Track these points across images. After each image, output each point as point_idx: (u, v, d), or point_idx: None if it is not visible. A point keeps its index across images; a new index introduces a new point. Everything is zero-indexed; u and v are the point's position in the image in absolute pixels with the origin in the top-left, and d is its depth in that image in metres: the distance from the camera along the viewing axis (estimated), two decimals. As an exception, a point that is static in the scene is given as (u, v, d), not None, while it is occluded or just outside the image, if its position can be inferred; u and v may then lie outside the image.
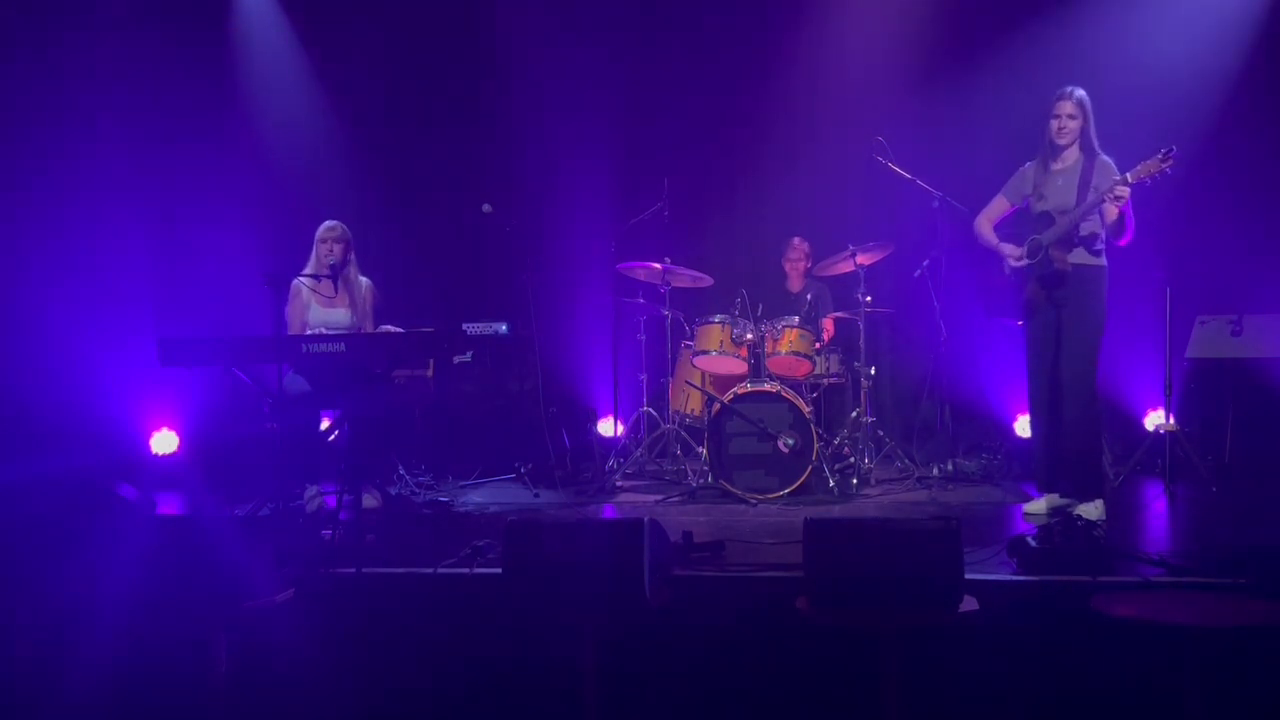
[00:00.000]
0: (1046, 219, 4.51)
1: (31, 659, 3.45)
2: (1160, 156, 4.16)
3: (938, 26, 6.58)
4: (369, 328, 5.17)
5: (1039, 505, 4.66)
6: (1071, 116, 4.46)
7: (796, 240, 6.54)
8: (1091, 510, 4.39)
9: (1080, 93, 4.48)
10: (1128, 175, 4.23)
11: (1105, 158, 4.48)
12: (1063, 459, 4.58)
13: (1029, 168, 4.67)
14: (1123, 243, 4.44)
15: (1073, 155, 4.52)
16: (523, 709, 3.43)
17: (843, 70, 6.81)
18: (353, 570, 3.63)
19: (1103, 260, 4.50)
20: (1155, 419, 6.12)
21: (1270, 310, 5.77)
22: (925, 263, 5.73)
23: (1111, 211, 4.34)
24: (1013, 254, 4.62)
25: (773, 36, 6.94)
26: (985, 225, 4.79)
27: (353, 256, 5.16)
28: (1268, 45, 6.07)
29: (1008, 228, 4.77)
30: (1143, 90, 6.01)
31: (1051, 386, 4.58)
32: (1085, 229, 4.43)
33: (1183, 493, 5.18)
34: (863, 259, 5.79)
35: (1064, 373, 4.52)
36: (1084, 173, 4.46)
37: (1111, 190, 4.22)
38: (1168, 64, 6.10)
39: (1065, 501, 4.57)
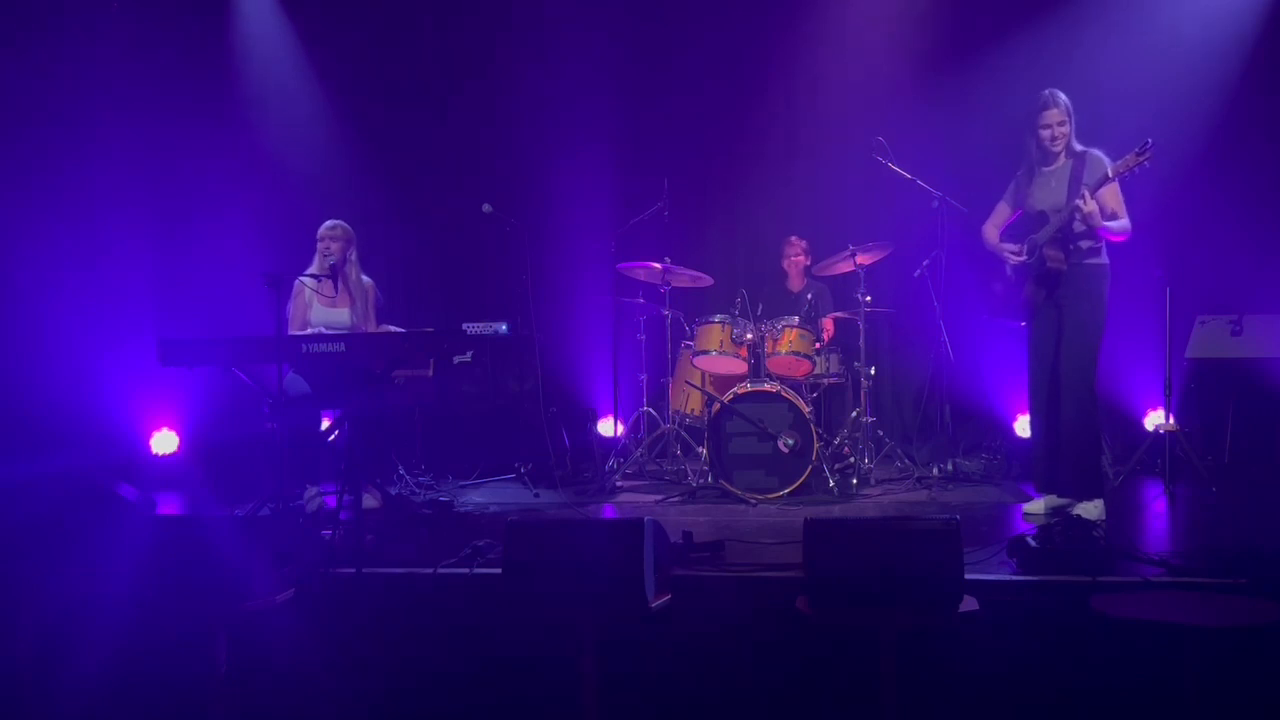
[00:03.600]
0: (1043, 219, 4.52)
1: (32, 659, 3.45)
2: (1137, 151, 4.18)
3: (938, 26, 6.59)
4: (371, 328, 5.17)
5: (1038, 505, 4.66)
6: (1060, 124, 4.47)
7: (794, 238, 6.54)
8: (1091, 510, 4.39)
9: (1062, 96, 4.48)
10: (1108, 172, 4.27)
11: (1095, 152, 4.48)
12: (1062, 459, 4.58)
13: (1022, 173, 4.68)
14: (1112, 239, 4.45)
15: (1062, 156, 4.53)
16: (522, 709, 3.43)
17: (843, 70, 6.82)
18: (353, 570, 3.63)
19: (1103, 259, 4.50)
20: (1155, 419, 6.12)
21: (1270, 310, 5.77)
22: (925, 263, 5.73)
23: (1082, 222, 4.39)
24: (1013, 250, 4.63)
25: (773, 37, 6.94)
26: (991, 232, 4.80)
27: (354, 256, 5.17)
28: (1268, 45, 6.07)
29: (1014, 232, 4.76)
30: (1142, 90, 6.01)
31: (1051, 386, 4.58)
32: (1080, 227, 4.43)
33: (1183, 493, 5.17)
34: (863, 259, 5.79)
35: (1063, 372, 4.51)
36: (1074, 170, 4.46)
37: (1080, 204, 4.26)
38: (1168, 64, 6.10)
39: (1064, 501, 4.57)
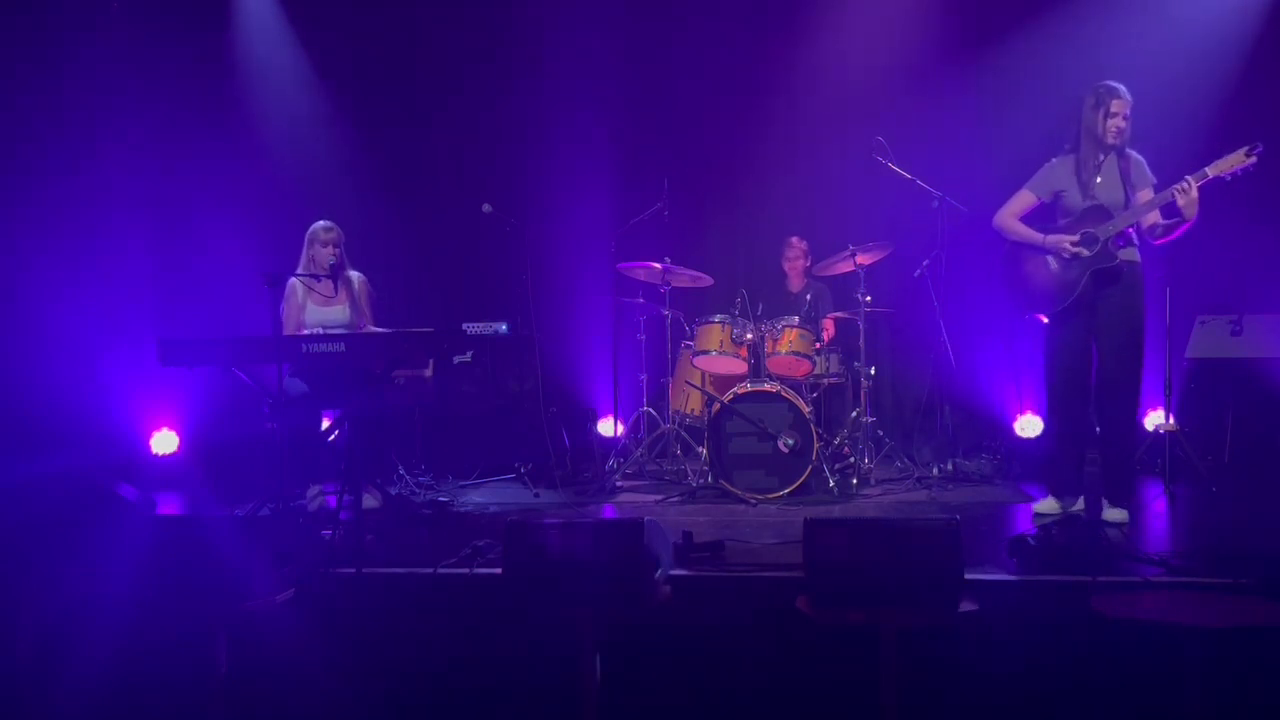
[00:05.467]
0: (1100, 213, 4.37)
1: (32, 659, 3.45)
2: (1245, 151, 4.08)
3: (938, 26, 6.58)
4: (368, 321, 5.17)
5: (1048, 505, 4.64)
6: (1126, 117, 4.36)
7: (794, 239, 6.53)
8: (1119, 512, 4.40)
9: (1127, 90, 4.40)
10: (1206, 170, 4.16)
11: (1138, 155, 4.46)
12: (1105, 460, 4.54)
13: (1058, 163, 4.54)
14: (1160, 241, 4.38)
15: (1113, 151, 4.44)
16: (522, 709, 3.43)
17: (843, 70, 6.81)
18: (353, 570, 3.63)
19: (1139, 257, 4.47)
20: (1155, 419, 6.12)
21: (1270, 310, 5.77)
22: (925, 263, 5.72)
23: (1157, 213, 4.32)
24: (1070, 241, 4.40)
25: (773, 36, 6.94)
26: (1012, 220, 4.61)
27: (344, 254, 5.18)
28: (1270, 43, 6.07)
29: (1029, 223, 4.64)
30: (1144, 89, 5.97)
31: (1093, 387, 4.49)
32: (1154, 217, 4.38)
33: (1183, 493, 5.17)
34: (863, 259, 5.79)
35: (1117, 374, 4.41)
36: (1123, 169, 4.40)
37: (1185, 188, 4.13)
38: (1168, 63, 6.09)
39: (1079, 505, 4.56)
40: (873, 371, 5.93)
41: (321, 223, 5.13)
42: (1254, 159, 4.08)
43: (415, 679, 3.50)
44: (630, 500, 5.35)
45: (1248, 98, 6.03)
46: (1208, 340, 5.84)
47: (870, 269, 5.85)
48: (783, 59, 6.93)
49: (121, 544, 3.38)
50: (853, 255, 5.79)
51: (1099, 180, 4.43)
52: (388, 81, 7.02)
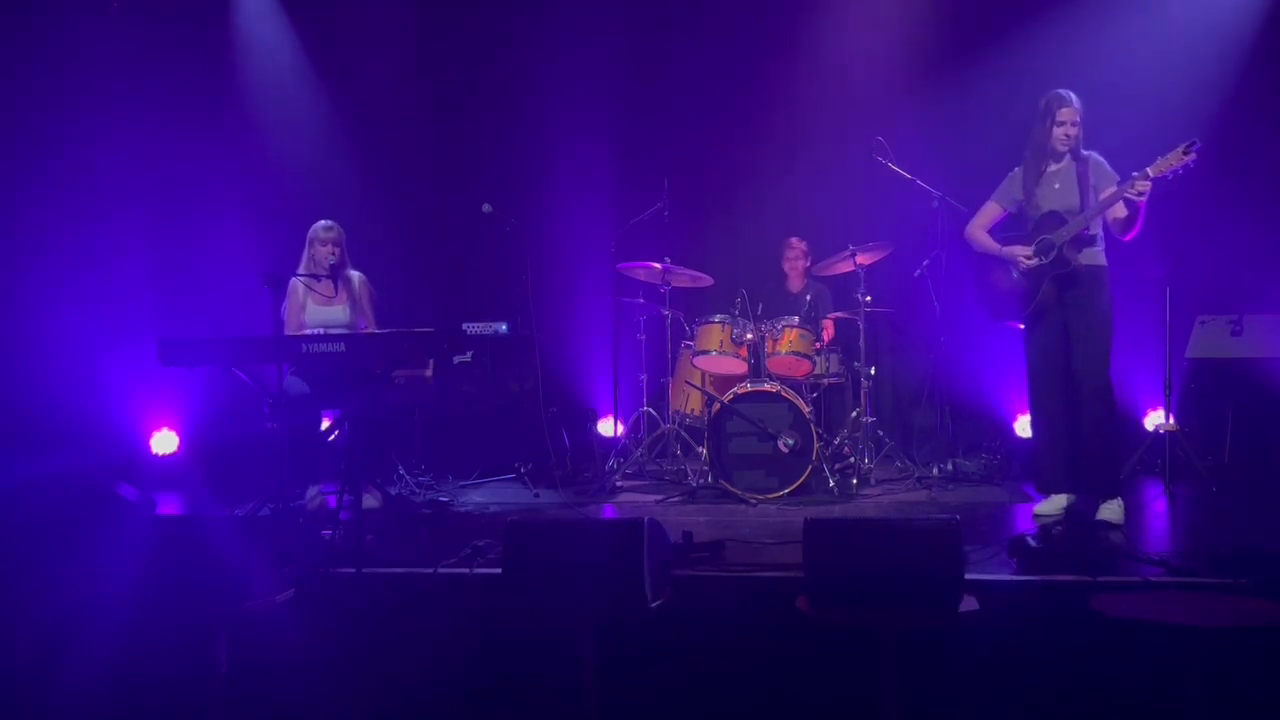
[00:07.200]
0: (1054, 219, 4.45)
1: (32, 659, 3.45)
2: (1183, 149, 4.08)
3: (938, 26, 6.59)
4: (369, 321, 5.17)
5: (1049, 505, 4.64)
6: (1075, 124, 4.42)
7: (795, 240, 6.53)
8: (1111, 510, 4.39)
9: (1076, 97, 4.46)
10: (1148, 170, 4.15)
11: (1096, 155, 4.49)
12: (1078, 460, 4.56)
13: (1019, 172, 4.64)
14: (1128, 238, 4.41)
15: (1068, 157, 4.50)
16: (523, 709, 3.43)
17: (843, 70, 6.81)
18: (353, 570, 3.63)
19: (1105, 260, 4.51)
20: (1155, 419, 6.12)
21: (1270, 310, 5.77)
22: (925, 263, 5.72)
23: (1120, 208, 4.32)
24: (1024, 255, 4.53)
25: (773, 36, 6.94)
26: (980, 232, 4.76)
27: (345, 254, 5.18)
28: (1268, 44, 6.07)
29: (998, 233, 4.75)
30: (1142, 90, 6.01)
31: (1067, 387, 4.54)
32: (1093, 227, 4.42)
33: (1183, 493, 5.17)
34: (863, 259, 5.79)
35: (1081, 373, 4.47)
36: (1080, 173, 4.44)
37: (1132, 185, 4.15)
38: (1168, 63, 6.10)
39: (1075, 499, 4.56)
40: (873, 371, 5.93)
41: (321, 222, 5.14)
42: (1193, 156, 4.07)
43: (415, 679, 3.50)
44: (630, 500, 5.35)
45: (1247, 97, 6.03)
46: (1208, 340, 5.84)
47: (870, 269, 5.85)
48: (783, 59, 6.93)
49: (121, 544, 3.37)
50: (853, 255, 5.79)
51: (1056, 186, 4.49)
52: (388, 81, 7.02)
